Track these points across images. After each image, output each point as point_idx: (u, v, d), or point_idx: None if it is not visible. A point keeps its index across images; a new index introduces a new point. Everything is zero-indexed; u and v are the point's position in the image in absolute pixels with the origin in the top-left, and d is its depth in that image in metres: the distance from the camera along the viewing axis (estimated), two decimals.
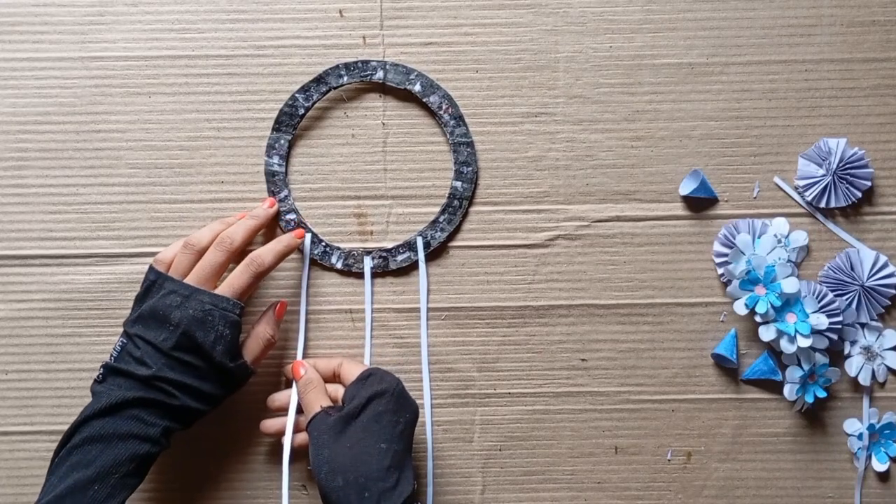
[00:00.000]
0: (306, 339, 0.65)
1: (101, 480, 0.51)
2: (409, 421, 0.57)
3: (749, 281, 0.63)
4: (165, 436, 0.55)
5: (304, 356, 0.65)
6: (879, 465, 0.66)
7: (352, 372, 0.59)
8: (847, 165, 0.64)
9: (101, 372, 0.55)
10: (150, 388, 0.54)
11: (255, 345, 0.59)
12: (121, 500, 0.52)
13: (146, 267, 0.64)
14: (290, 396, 0.61)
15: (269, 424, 0.62)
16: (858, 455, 0.66)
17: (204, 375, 0.56)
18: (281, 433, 0.61)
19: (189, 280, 0.57)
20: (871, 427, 0.66)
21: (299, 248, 0.65)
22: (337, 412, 0.57)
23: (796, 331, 0.62)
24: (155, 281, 0.57)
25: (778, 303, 0.62)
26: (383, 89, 0.66)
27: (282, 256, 0.60)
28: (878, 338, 0.66)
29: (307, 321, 0.65)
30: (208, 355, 0.55)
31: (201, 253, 0.58)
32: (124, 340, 0.56)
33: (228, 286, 0.57)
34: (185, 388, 0.55)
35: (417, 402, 0.66)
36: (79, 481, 0.51)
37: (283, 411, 0.62)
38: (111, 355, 0.56)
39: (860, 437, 0.66)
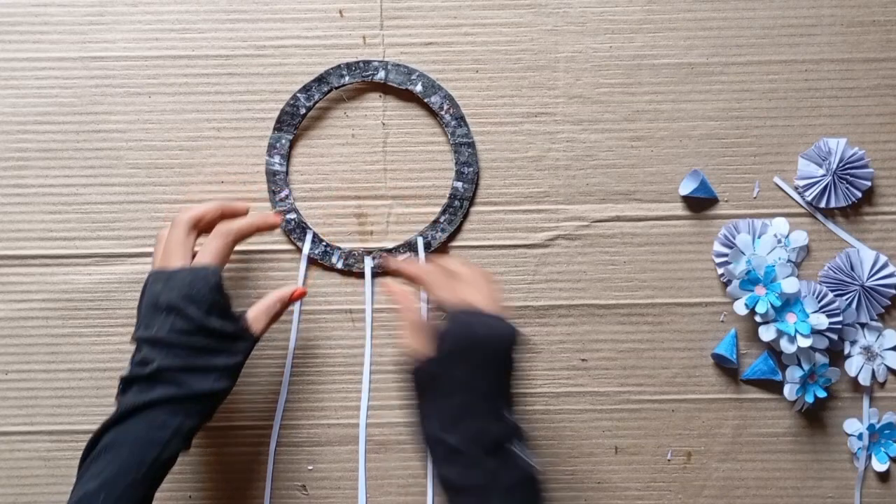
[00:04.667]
0: (297, 339, 0.65)
1: (106, 489, 0.49)
2: (482, 363, 0.52)
3: (749, 281, 0.63)
4: (179, 437, 0.52)
5: (293, 356, 0.65)
6: (879, 465, 0.66)
7: (449, 295, 0.55)
8: (847, 165, 0.64)
9: (119, 385, 0.54)
10: (158, 383, 0.52)
11: (261, 313, 0.58)
12: None
13: (146, 267, 0.64)
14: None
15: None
16: (858, 455, 0.66)
17: (211, 349, 0.54)
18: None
19: (161, 264, 0.56)
20: (871, 427, 0.66)
21: (293, 241, 0.65)
22: (422, 359, 0.53)
23: (796, 331, 0.62)
24: (145, 283, 0.56)
25: (778, 303, 0.62)
26: (383, 89, 0.66)
27: (256, 227, 0.60)
28: (878, 338, 0.66)
29: (300, 321, 0.66)
30: (206, 327, 0.53)
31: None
32: (133, 351, 0.54)
33: (202, 254, 0.56)
34: (193, 370, 0.53)
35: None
36: (87, 492, 0.49)
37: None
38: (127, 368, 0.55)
39: (860, 437, 0.66)
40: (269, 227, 0.61)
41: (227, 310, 0.55)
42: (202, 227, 0.58)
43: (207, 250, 0.56)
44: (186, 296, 0.53)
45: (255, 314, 0.57)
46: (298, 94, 0.65)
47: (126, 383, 0.53)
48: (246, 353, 0.56)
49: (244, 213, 0.61)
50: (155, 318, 0.53)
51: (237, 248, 0.65)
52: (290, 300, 0.59)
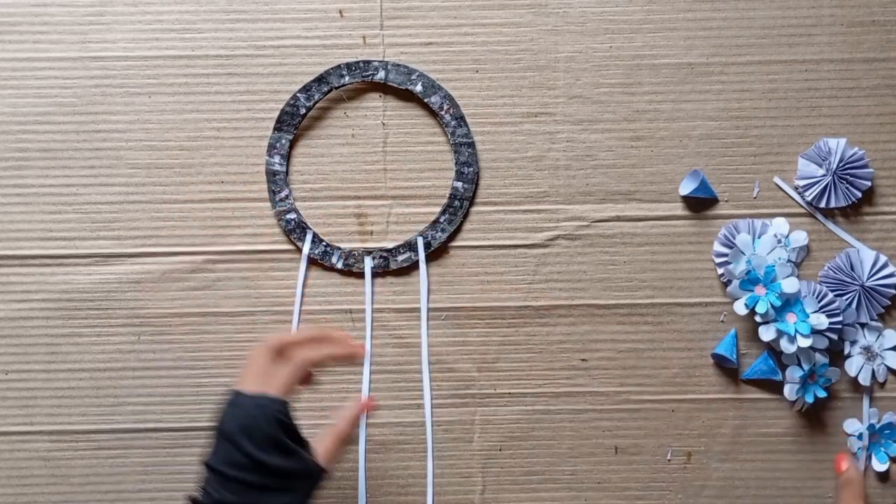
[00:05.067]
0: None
1: None
2: None
3: (749, 281, 0.63)
4: None
5: None
6: (879, 465, 0.66)
7: None
8: (847, 165, 0.64)
9: (188, 502, 0.51)
10: None
11: (329, 441, 0.54)
12: None
13: (146, 267, 0.64)
14: None
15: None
16: (858, 455, 0.66)
17: (270, 488, 0.50)
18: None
19: (238, 385, 0.53)
20: (871, 427, 0.66)
21: (293, 241, 0.65)
22: None
23: (796, 331, 0.62)
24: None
25: (778, 303, 0.62)
26: (384, 89, 0.66)
27: (333, 358, 0.57)
28: (878, 338, 0.66)
29: (300, 321, 0.66)
30: (263, 464, 0.50)
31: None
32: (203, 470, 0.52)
33: (271, 383, 0.53)
34: None
35: (417, 402, 0.66)
36: None
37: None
38: None
39: (860, 437, 0.66)
40: (350, 359, 0.58)
41: (289, 445, 0.51)
42: (289, 355, 0.55)
43: (276, 379, 0.53)
44: (243, 427, 0.50)
45: (327, 447, 0.54)
46: (298, 94, 0.65)
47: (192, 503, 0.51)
48: (309, 491, 0.52)
49: (337, 340, 0.57)
50: (216, 444, 0.51)
51: (236, 248, 0.65)
52: (363, 413, 0.56)
